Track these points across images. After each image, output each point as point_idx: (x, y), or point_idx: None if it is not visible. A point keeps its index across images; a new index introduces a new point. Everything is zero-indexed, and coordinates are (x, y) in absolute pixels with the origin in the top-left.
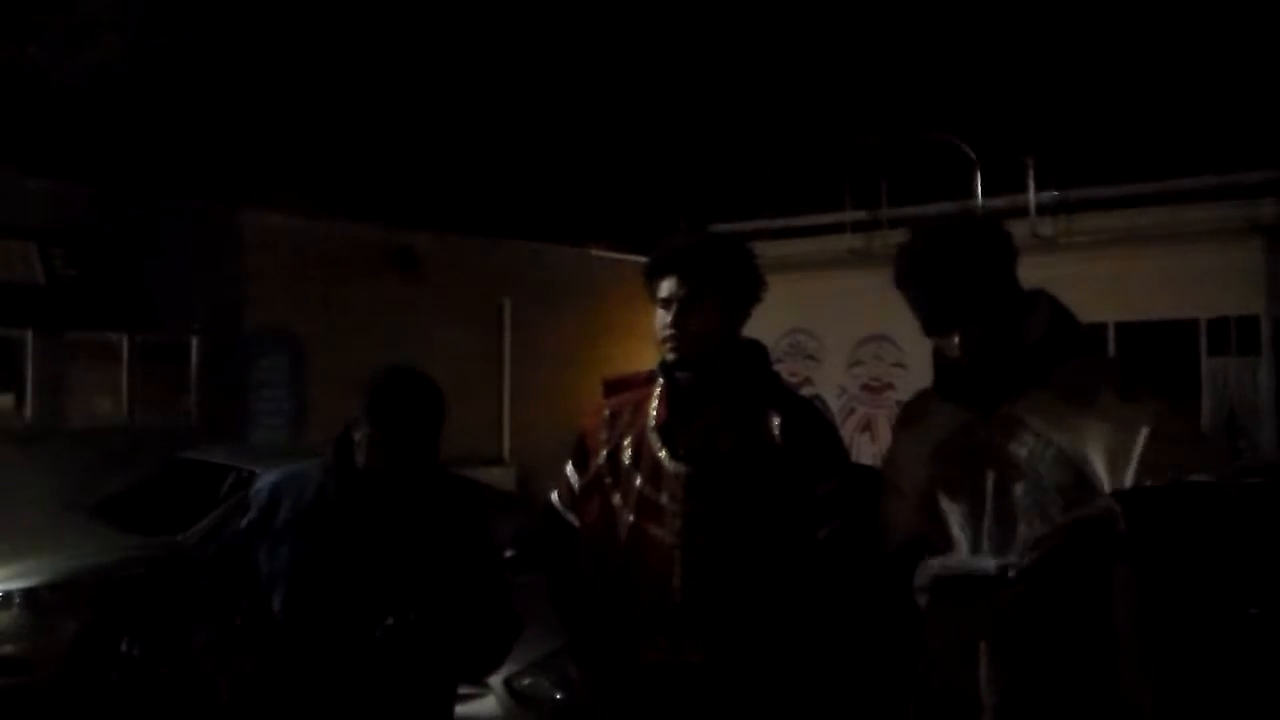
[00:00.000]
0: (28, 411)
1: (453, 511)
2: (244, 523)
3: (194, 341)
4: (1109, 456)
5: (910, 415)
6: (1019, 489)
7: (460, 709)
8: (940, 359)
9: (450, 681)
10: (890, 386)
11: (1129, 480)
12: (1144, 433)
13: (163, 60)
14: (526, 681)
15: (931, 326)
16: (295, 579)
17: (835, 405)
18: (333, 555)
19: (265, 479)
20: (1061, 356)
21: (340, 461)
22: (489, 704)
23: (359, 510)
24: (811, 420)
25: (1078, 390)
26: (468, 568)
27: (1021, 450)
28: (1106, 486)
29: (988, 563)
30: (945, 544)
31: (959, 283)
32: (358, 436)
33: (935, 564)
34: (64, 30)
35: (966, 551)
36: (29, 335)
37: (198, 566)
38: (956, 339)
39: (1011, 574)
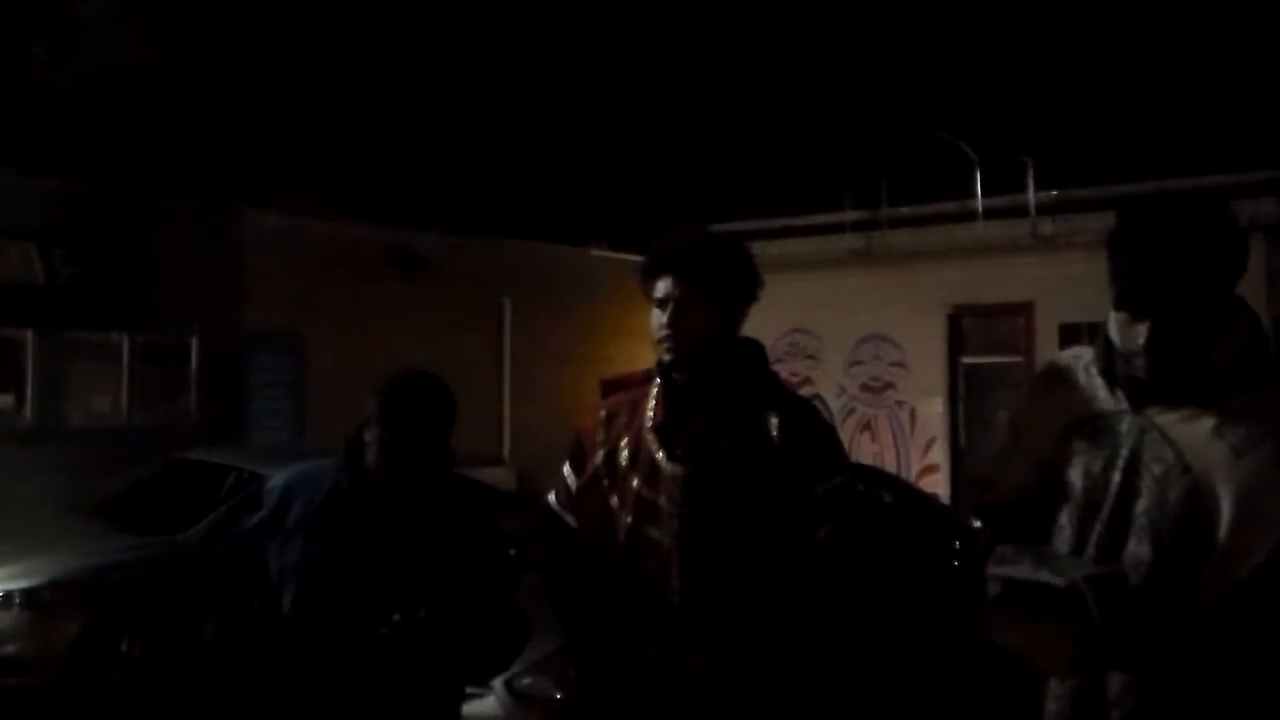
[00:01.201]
0: (28, 411)
1: (462, 514)
2: (256, 520)
3: (194, 342)
4: (1236, 519)
5: (1055, 377)
6: (1141, 504)
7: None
8: (1111, 337)
9: (457, 681)
10: (890, 386)
11: (1235, 577)
12: (1276, 527)
13: (163, 60)
14: (526, 681)
15: (1129, 299)
16: (305, 578)
17: (835, 405)
18: (342, 555)
19: (278, 477)
20: (1243, 381)
21: (352, 462)
22: (489, 704)
23: (369, 512)
24: (810, 420)
25: (1238, 429)
26: (476, 570)
27: (1157, 466)
28: (1220, 545)
29: (1058, 578)
30: (1047, 522)
31: (1178, 259)
32: (368, 438)
33: (1008, 565)
34: (64, 30)
35: (1070, 543)
36: (29, 335)
37: (209, 564)
38: (1145, 328)
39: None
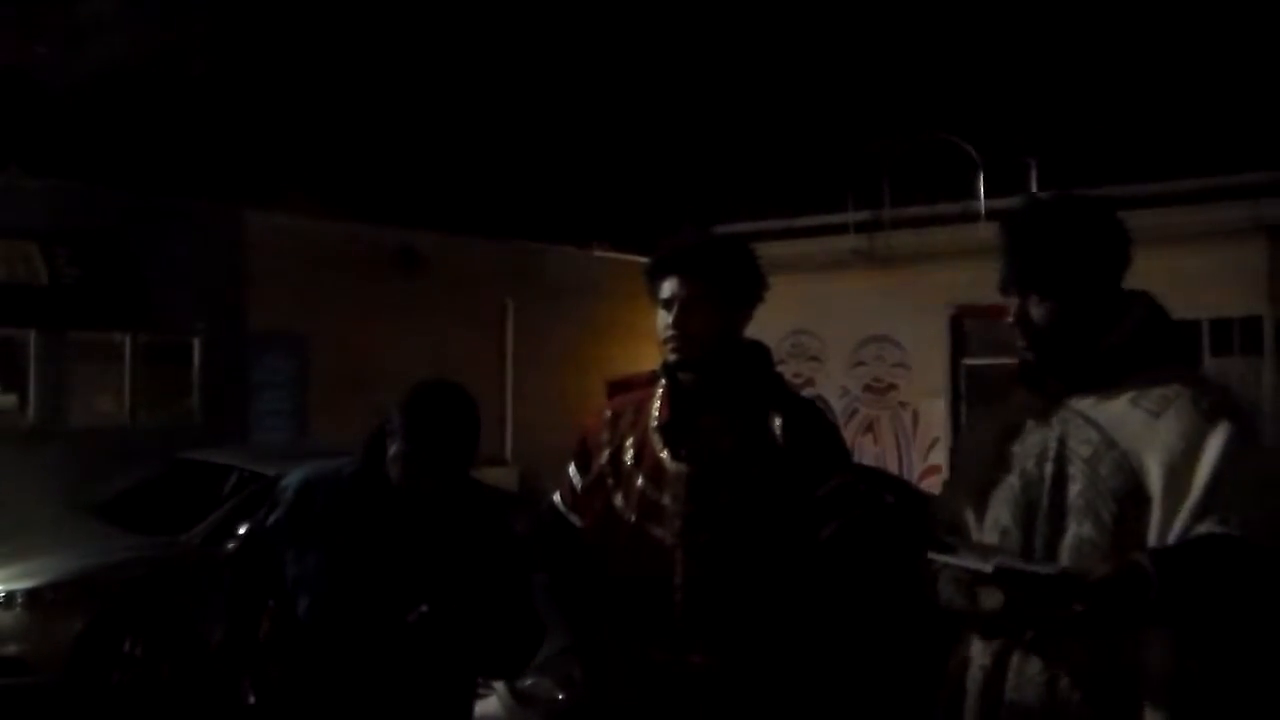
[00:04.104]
0: (30, 411)
1: (479, 519)
2: (270, 520)
3: (196, 342)
4: (1168, 475)
5: (985, 400)
6: (1075, 487)
7: None
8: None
9: (473, 677)
10: (893, 387)
11: (1182, 520)
12: (1209, 466)
13: (166, 60)
14: (529, 682)
15: (1003, 282)
16: (325, 586)
17: (837, 406)
18: (364, 564)
19: (293, 476)
20: (1145, 361)
21: (370, 469)
22: (491, 704)
23: (390, 521)
24: (813, 421)
25: (1152, 398)
26: (493, 573)
27: (1084, 448)
28: (1158, 504)
29: (1047, 566)
30: (979, 530)
31: (1044, 245)
32: (392, 450)
33: (964, 555)
34: (67, 30)
35: (1017, 541)
36: (32, 335)
37: (218, 563)
38: (1015, 307)
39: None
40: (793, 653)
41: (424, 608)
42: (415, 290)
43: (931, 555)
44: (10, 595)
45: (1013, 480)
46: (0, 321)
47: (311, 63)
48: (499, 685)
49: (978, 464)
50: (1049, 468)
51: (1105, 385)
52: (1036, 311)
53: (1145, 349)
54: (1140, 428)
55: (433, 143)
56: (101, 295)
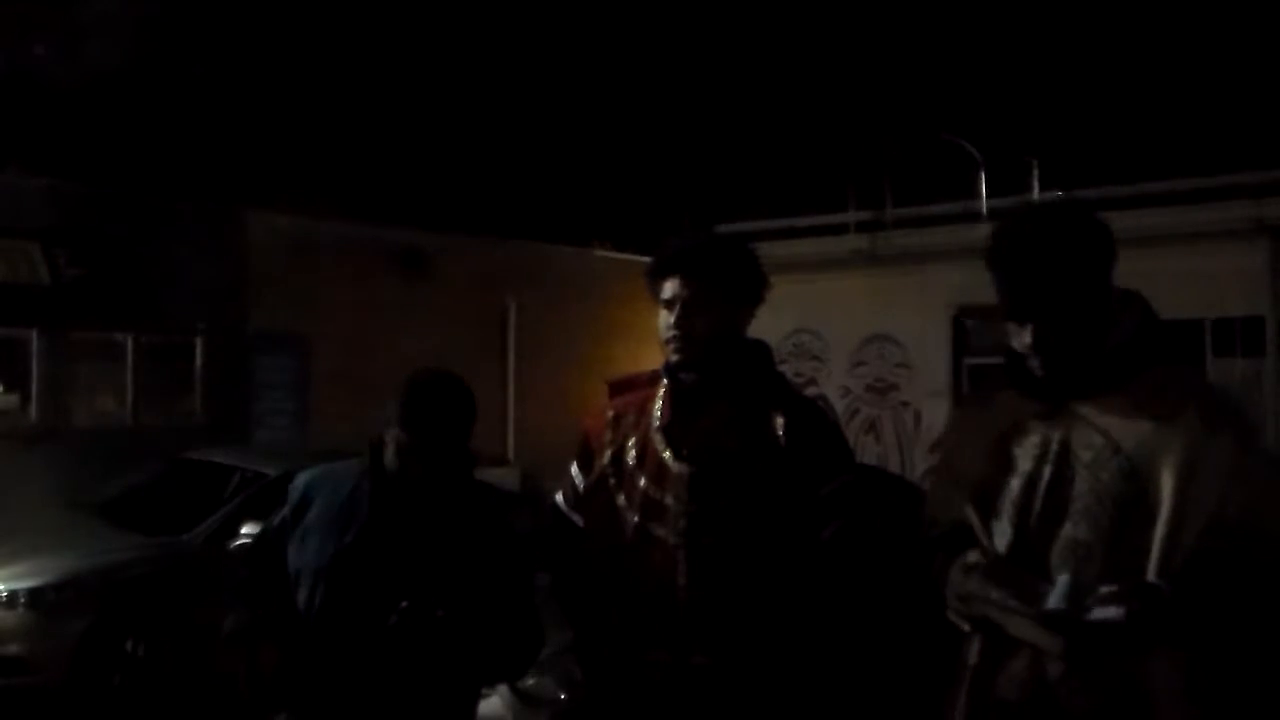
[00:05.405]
0: (33, 411)
1: (480, 518)
2: (278, 518)
3: (198, 341)
4: (1177, 485)
5: (976, 401)
6: (1074, 489)
7: None
8: (1013, 347)
9: (471, 683)
10: (894, 387)
11: (1193, 533)
12: (1223, 472)
13: (168, 61)
14: (530, 681)
15: (1013, 312)
16: (320, 576)
17: (839, 406)
18: (359, 555)
19: (302, 476)
20: (1145, 363)
21: (374, 464)
22: (493, 704)
23: (388, 512)
24: (815, 420)
25: (1158, 402)
26: (492, 574)
27: (1086, 452)
28: (1166, 513)
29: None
30: (986, 537)
31: (1051, 273)
32: (388, 439)
33: (977, 587)
34: (68, 30)
35: (1009, 542)
36: (34, 335)
37: (220, 562)
38: (1029, 333)
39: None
40: (795, 653)
41: (404, 604)
42: (417, 290)
43: (979, 593)
44: (12, 595)
45: (1013, 481)
46: (2, 321)
47: (312, 62)
48: (502, 686)
49: (975, 465)
50: (1048, 469)
51: (1109, 388)
52: (1043, 333)
53: (1145, 349)
54: (1148, 435)
55: (434, 143)
56: (103, 295)
